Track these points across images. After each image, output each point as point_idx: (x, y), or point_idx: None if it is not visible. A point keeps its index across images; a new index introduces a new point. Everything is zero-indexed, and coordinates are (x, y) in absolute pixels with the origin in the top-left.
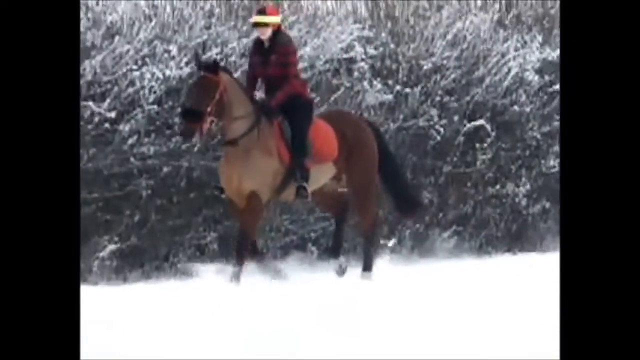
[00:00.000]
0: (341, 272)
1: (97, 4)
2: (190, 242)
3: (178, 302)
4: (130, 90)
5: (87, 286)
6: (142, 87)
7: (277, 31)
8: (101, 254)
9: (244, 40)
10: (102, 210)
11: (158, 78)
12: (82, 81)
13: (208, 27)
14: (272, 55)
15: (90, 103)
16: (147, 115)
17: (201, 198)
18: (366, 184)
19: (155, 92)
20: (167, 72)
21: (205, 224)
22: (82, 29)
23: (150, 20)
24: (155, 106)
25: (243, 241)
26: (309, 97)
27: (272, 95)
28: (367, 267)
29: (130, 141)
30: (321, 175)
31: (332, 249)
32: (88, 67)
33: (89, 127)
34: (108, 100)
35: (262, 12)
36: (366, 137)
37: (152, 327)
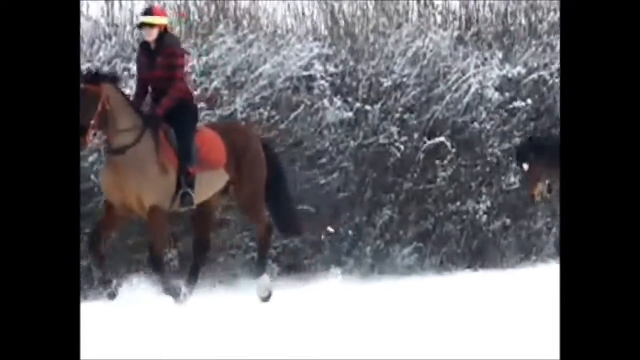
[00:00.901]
0: (180, 298)
1: None
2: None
3: (137, 320)
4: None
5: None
6: None
7: (164, 32)
8: None
9: (204, 59)
10: None
11: None
12: None
13: None
14: (158, 57)
15: None
16: None
17: None
18: (255, 192)
19: None
20: (127, 91)
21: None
22: None
23: (110, 39)
24: None
25: (156, 255)
26: (193, 102)
27: (158, 102)
28: (259, 273)
29: (90, 158)
30: (213, 182)
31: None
32: None
33: None
34: None
35: (148, 12)
36: (255, 146)
37: (112, 345)
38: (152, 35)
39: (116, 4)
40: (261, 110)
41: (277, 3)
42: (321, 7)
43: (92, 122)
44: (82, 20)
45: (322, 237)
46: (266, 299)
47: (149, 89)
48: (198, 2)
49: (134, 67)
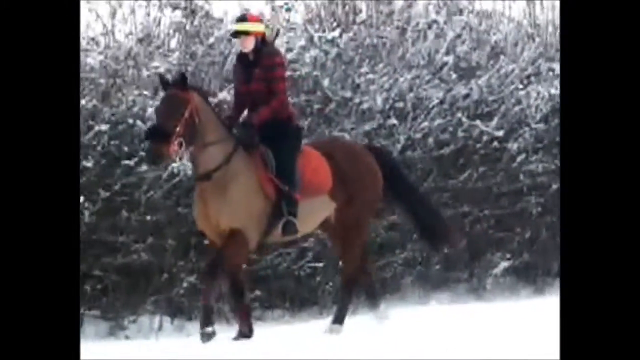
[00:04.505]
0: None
1: (480, 23)
2: None
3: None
4: (517, 109)
5: (482, 303)
6: (529, 106)
7: (262, 42)
8: (494, 271)
9: None
10: (493, 228)
11: (543, 96)
12: (468, 101)
13: None
14: (256, 69)
15: (478, 122)
16: (534, 133)
17: None
18: (358, 224)
19: (541, 111)
20: (552, 91)
21: None
22: (466, 48)
23: (533, 40)
24: (542, 124)
25: (234, 287)
26: (295, 120)
27: (256, 112)
28: (338, 319)
29: (518, 159)
30: (317, 211)
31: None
32: (475, 87)
33: (478, 145)
34: (496, 119)
35: (242, 19)
36: (363, 163)
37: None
38: (247, 45)
39: (537, 3)
40: None
41: None
42: None
43: (177, 129)
44: (505, 20)
45: None
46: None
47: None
48: None
49: (558, 68)
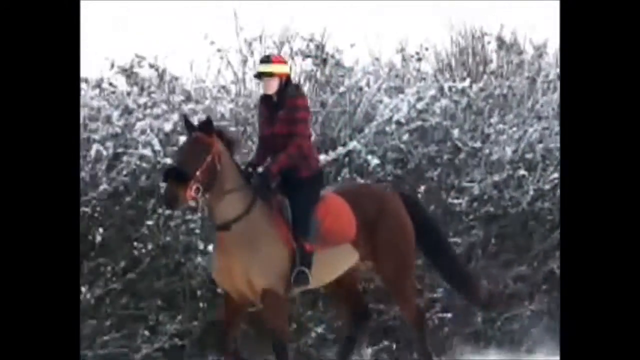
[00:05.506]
0: None
1: None
2: None
3: None
4: None
5: None
6: None
7: (286, 83)
8: None
9: None
10: None
11: None
12: None
13: None
14: (280, 111)
15: None
16: None
17: None
18: (400, 267)
19: None
20: None
21: None
22: None
23: None
24: None
25: (281, 350)
26: (317, 165)
27: (274, 160)
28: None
29: None
30: (338, 261)
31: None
32: None
33: None
34: None
35: (266, 60)
36: (394, 212)
37: None
38: (271, 87)
39: None
40: None
41: None
42: None
43: (198, 173)
44: None
45: None
46: None
47: (270, 149)
48: None
49: None
